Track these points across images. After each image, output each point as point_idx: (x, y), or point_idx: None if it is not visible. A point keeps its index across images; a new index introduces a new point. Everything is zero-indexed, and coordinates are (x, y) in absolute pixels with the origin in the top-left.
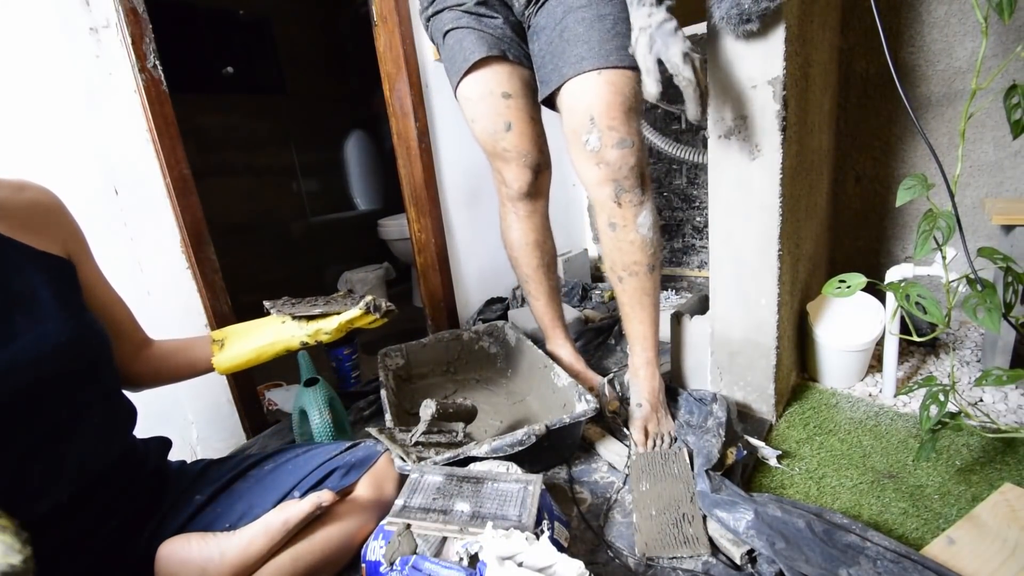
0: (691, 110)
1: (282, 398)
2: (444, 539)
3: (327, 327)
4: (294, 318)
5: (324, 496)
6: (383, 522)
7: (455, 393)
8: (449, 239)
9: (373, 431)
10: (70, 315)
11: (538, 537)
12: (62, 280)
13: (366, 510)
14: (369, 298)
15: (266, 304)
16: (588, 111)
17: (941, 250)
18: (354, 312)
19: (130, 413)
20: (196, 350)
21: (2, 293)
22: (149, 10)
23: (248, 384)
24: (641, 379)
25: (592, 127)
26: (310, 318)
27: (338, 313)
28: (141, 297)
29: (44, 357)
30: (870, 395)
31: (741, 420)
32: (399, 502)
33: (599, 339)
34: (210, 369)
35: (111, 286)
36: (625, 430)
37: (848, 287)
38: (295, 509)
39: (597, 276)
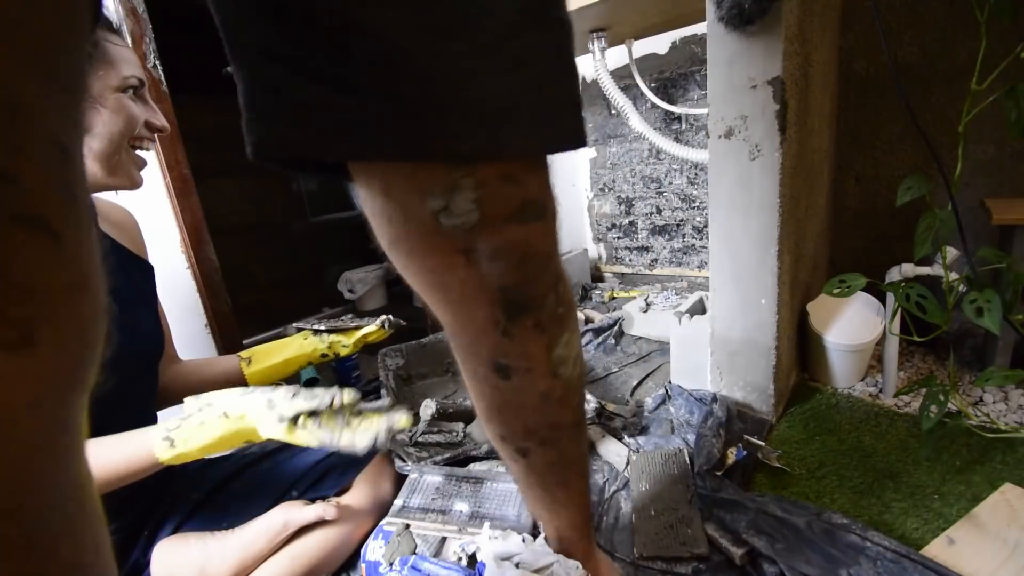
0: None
1: None
2: (443, 539)
3: (346, 341)
4: (315, 332)
5: (329, 512)
6: (382, 522)
7: (455, 393)
8: None
9: None
10: (152, 318)
11: (535, 537)
12: (147, 283)
13: (363, 509)
14: (383, 317)
15: (295, 326)
16: None
17: (941, 250)
18: (371, 328)
19: (155, 420)
20: (224, 364)
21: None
22: (149, 10)
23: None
24: None
25: (448, 175)
26: (331, 331)
27: (358, 328)
28: None
29: (130, 356)
30: (870, 395)
31: (741, 420)
32: (398, 502)
33: (599, 339)
34: (240, 382)
35: (160, 302)
36: (626, 436)
37: (848, 287)
38: (298, 516)
39: (597, 276)
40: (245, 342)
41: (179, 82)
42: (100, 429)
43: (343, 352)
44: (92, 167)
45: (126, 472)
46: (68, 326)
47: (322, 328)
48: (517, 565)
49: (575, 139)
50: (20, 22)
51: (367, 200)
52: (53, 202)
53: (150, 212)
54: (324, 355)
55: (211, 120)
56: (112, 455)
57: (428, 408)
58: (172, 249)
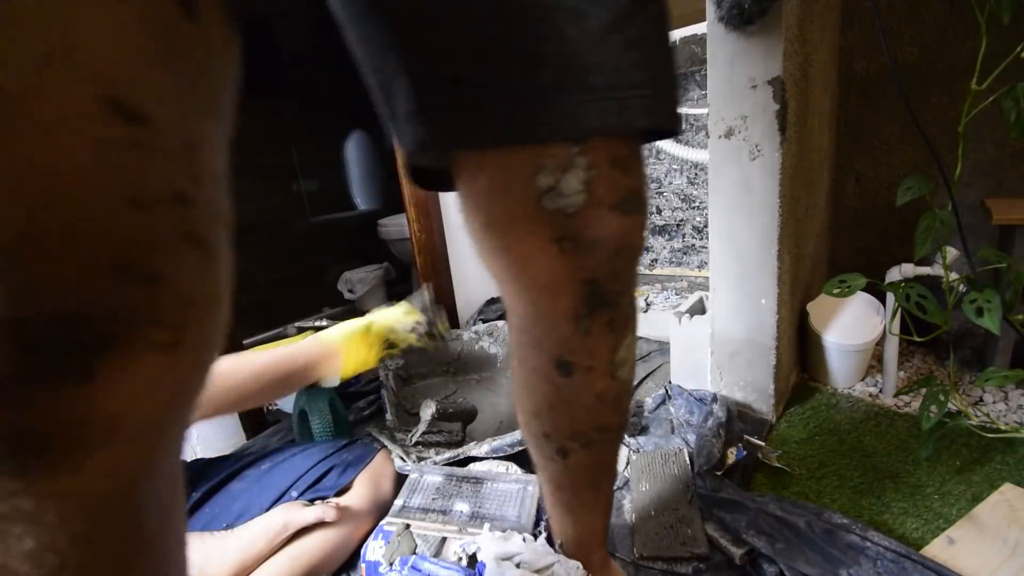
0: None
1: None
2: (443, 539)
3: None
4: (316, 332)
5: (329, 514)
6: (383, 522)
7: (455, 393)
8: (449, 239)
9: (373, 431)
10: None
11: (536, 538)
12: None
13: (363, 508)
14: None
15: (296, 325)
16: None
17: (941, 250)
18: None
19: None
20: None
21: None
22: None
23: None
24: None
25: (564, 150)
26: None
27: None
28: None
29: None
30: (870, 395)
31: (741, 420)
32: (398, 502)
33: None
34: None
35: None
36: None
37: (848, 287)
38: (297, 517)
39: None
40: (245, 342)
41: None
42: None
43: None
44: None
45: (289, 369)
46: (206, 332)
47: (324, 327)
48: (518, 565)
49: (675, 123)
50: (206, 76)
51: (470, 184)
52: (213, 224)
53: None
54: None
55: None
56: (274, 355)
57: (428, 408)
58: None
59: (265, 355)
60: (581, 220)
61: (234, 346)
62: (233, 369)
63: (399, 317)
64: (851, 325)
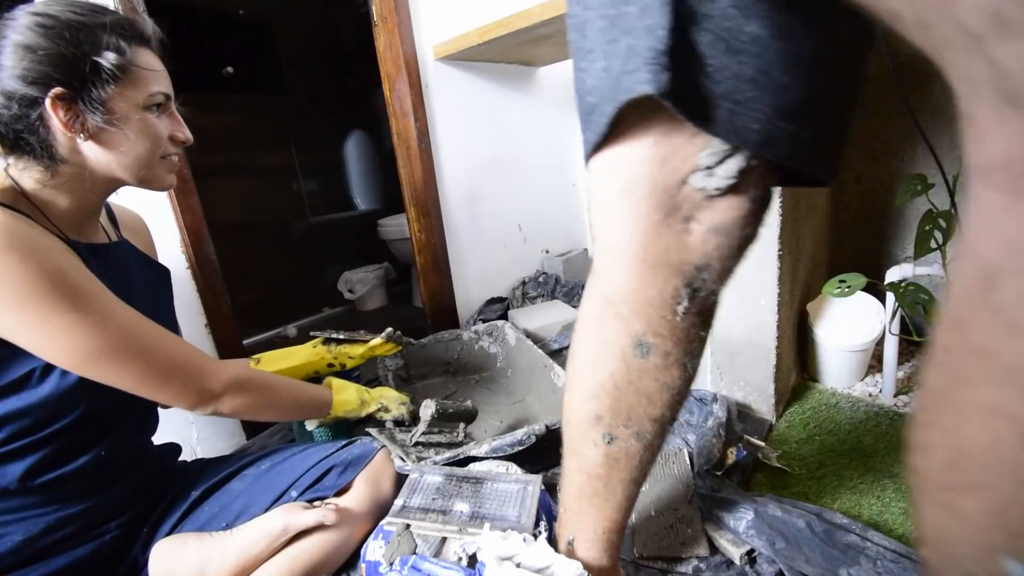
0: None
1: None
2: (444, 539)
3: (352, 353)
4: (325, 342)
5: (328, 517)
6: (383, 522)
7: (455, 393)
8: (449, 239)
9: (373, 431)
10: (172, 319)
11: (536, 538)
12: (166, 286)
13: (363, 509)
14: (389, 329)
15: (312, 332)
16: None
17: (941, 250)
18: (377, 341)
19: (157, 419)
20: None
21: (124, 284)
22: (149, 10)
23: None
24: None
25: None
26: (339, 342)
27: (364, 342)
28: None
29: None
30: (870, 395)
31: (741, 420)
32: (398, 502)
33: None
34: None
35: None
36: None
37: (848, 287)
38: (297, 520)
39: None
40: (245, 342)
41: (179, 82)
42: (113, 424)
43: (349, 364)
44: (123, 176)
45: (309, 402)
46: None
47: (338, 337)
48: (518, 565)
49: (826, 173)
50: None
51: (648, 147)
52: None
53: (150, 212)
54: (330, 365)
55: (211, 120)
56: (304, 388)
57: (428, 408)
58: (172, 249)
59: (289, 380)
60: (717, 202)
61: (234, 345)
62: (275, 378)
63: (392, 397)
64: (851, 325)
